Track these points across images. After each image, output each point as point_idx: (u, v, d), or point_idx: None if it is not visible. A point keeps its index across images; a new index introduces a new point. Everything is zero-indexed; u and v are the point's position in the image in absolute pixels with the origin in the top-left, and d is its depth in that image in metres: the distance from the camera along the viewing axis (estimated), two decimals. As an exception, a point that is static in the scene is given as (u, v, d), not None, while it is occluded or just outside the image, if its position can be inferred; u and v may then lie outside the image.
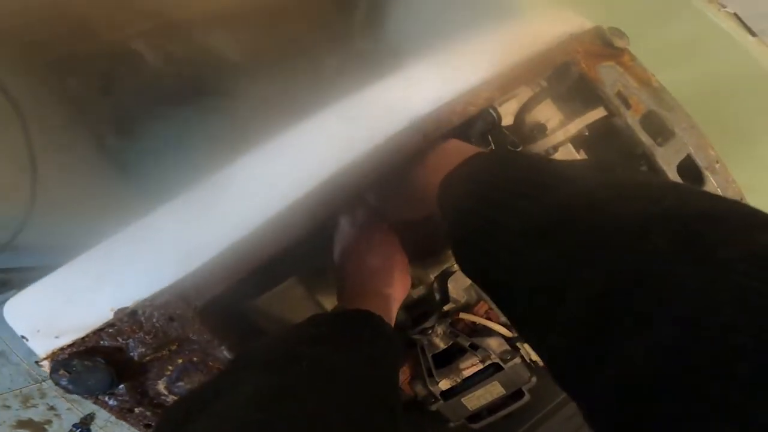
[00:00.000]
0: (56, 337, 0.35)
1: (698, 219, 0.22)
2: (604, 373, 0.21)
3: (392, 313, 0.45)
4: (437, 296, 0.59)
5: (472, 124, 0.48)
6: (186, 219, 0.36)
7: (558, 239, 0.26)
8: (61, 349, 0.35)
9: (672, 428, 0.18)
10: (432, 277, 0.58)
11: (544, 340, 0.26)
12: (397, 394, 0.38)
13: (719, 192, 0.45)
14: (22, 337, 0.35)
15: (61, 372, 0.34)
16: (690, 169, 0.44)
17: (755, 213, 0.23)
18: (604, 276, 0.22)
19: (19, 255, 0.48)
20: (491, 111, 0.47)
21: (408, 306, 0.59)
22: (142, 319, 0.35)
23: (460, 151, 0.39)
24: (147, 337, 0.36)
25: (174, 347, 0.37)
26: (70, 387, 0.35)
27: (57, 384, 0.35)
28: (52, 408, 0.77)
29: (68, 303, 0.35)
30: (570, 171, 0.32)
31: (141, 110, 0.56)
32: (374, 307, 0.42)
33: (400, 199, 0.47)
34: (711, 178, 0.44)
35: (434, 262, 0.59)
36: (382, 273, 0.47)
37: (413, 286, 0.59)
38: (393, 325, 0.44)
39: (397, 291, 0.47)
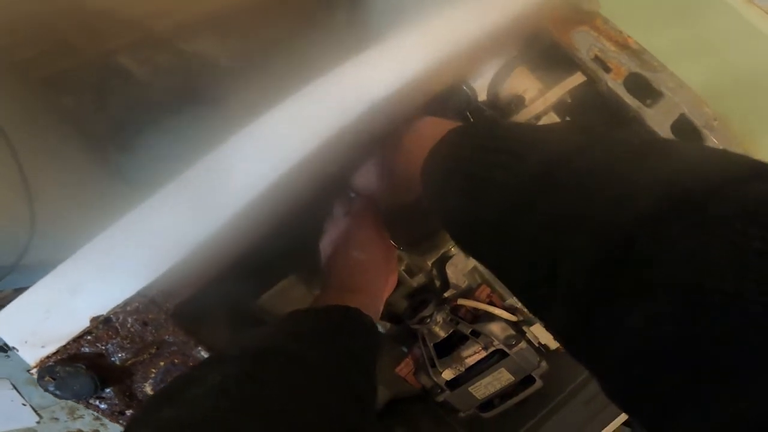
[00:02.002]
0: (42, 347, 0.37)
1: (683, 174, 0.21)
2: (611, 344, 0.20)
3: (376, 308, 0.45)
4: (438, 283, 0.58)
5: (446, 102, 0.46)
6: (151, 224, 0.36)
7: (539, 210, 0.25)
8: (47, 357, 0.37)
9: (683, 397, 0.17)
10: (430, 263, 0.57)
11: (549, 314, 0.26)
12: (373, 388, 0.37)
13: (722, 150, 0.41)
14: (14, 348, 0.37)
15: (47, 378, 0.36)
16: (686, 129, 0.41)
17: (741, 160, 0.21)
18: (593, 245, 0.21)
19: (28, 274, 0.51)
20: (465, 88, 0.45)
21: (409, 295, 0.58)
22: (117, 325, 0.37)
23: (435, 128, 0.38)
24: (124, 342, 0.37)
25: (153, 350, 0.38)
26: (57, 392, 0.37)
27: (46, 390, 0.37)
28: (98, 418, 0.82)
29: (48, 314, 0.36)
30: (546, 134, 0.30)
31: (136, 122, 0.58)
32: (356, 302, 0.41)
33: (385, 185, 0.46)
34: (710, 136, 0.40)
35: (431, 247, 0.57)
36: (367, 268, 0.46)
37: (412, 274, 0.58)
38: (377, 320, 0.44)
39: (381, 286, 0.46)
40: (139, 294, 0.36)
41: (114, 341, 0.37)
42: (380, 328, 0.60)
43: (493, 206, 0.28)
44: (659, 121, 0.40)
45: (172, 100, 0.56)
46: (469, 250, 0.34)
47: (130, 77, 0.51)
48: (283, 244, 0.56)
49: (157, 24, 0.50)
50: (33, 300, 0.37)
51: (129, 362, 0.39)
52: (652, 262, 0.19)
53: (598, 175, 0.23)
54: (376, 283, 0.46)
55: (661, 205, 0.19)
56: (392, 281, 0.48)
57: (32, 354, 0.38)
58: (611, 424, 0.62)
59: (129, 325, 0.37)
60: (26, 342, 0.37)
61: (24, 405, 0.87)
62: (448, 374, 0.55)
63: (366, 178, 0.48)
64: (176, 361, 0.40)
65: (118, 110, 0.54)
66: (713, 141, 0.40)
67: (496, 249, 0.29)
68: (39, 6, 0.42)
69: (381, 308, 0.46)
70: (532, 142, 0.29)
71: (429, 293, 0.56)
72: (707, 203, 0.18)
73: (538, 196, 0.25)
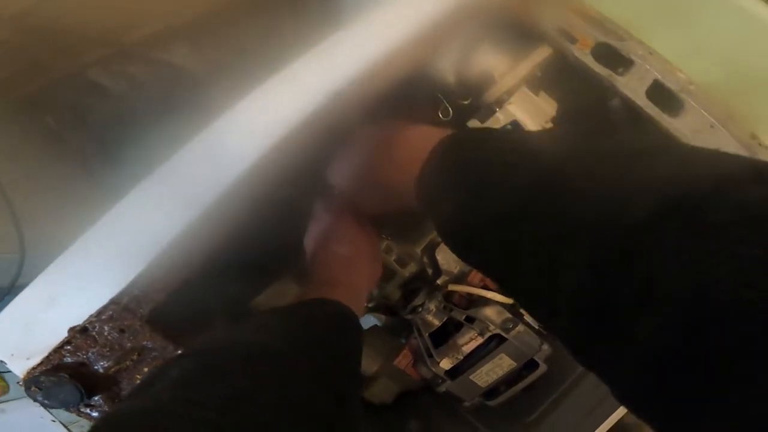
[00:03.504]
0: (27, 359, 0.38)
1: (678, 181, 0.20)
2: (619, 354, 0.20)
3: (358, 300, 0.44)
4: (430, 271, 0.57)
5: (416, 88, 0.44)
6: (116, 231, 0.37)
7: (537, 221, 0.25)
8: (33, 368, 0.38)
9: (693, 405, 0.17)
10: (419, 251, 0.56)
11: (555, 325, 0.26)
12: (353, 379, 0.37)
13: (704, 113, 0.38)
14: (1, 361, 0.39)
15: (33, 389, 0.37)
16: (663, 95, 0.39)
17: (738, 161, 0.21)
18: (592, 257, 0.21)
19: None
20: (433, 72, 0.44)
21: (402, 286, 0.57)
22: (95, 334, 0.37)
23: (427, 139, 0.37)
24: (104, 350, 0.38)
25: (135, 357, 0.39)
26: (45, 402, 0.38)
27: (35, 400, 0.38)
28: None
29: (28, 327, 0.37)
30: (538, 141, 0.31)
31: (117, 136, 0.59)
32: (336, 294, 0.41)
33: (378, 197, 0.45)
34: (689, 100, 0.38)
35: (419, 235, 0.56)
36: (347, 261, 0.46)
37: (404, 264, 0.57)
38: (361, 312, 0.43)
39: (363, 279, 0.46)
40: (111, 302, 0.36)
41: (94, 350, 0.38)
42: (377, 322, 0.59)
43: (490, 219, 0.28)
44: (633, 88, 0.39)
45: (150, 111, 0.57)
46: (471, 262, 0.34)
47: (105, 92, 0.52)
48: (273, 244, 0.56)
49: (126, 37, 0.51)
50: (13, 315, 0.38)
51: (112, 369, 0.39)
52: (652, 274, 0.18)
53: (592, 183, 0.23)
54: (357, 275, 0.45)
55: (658, 212, 0.19)
56: (375, 273, 0.48)
57: (20, 366, 0.39)
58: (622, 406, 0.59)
59: (106, 333, 0.37)
60: (12, 355, 0.38)
61: (53, 421, 0.91)
62: (446, 363, 0.53)
63: (342, 175, 0.47)
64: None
65: (98, 126, 0.55)
66: (692, 104, 0.38)
67: (496, 262, 0.29)
68: (6, 27, 0.43)
69: (364, 300, 0.45)
70: (524, 152, 0.29)
71: (420, 282, 0.55)
72: (705, 209, 0.18)
73: (534, 207, 0.25)
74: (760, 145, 0.41)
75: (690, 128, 0.40)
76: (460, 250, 0.33)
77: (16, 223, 0.45)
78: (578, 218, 0.22)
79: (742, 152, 0.41)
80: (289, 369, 0.31)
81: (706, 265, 0.17)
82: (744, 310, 0.15)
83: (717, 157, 0.22)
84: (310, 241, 0.49)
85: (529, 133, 0.43)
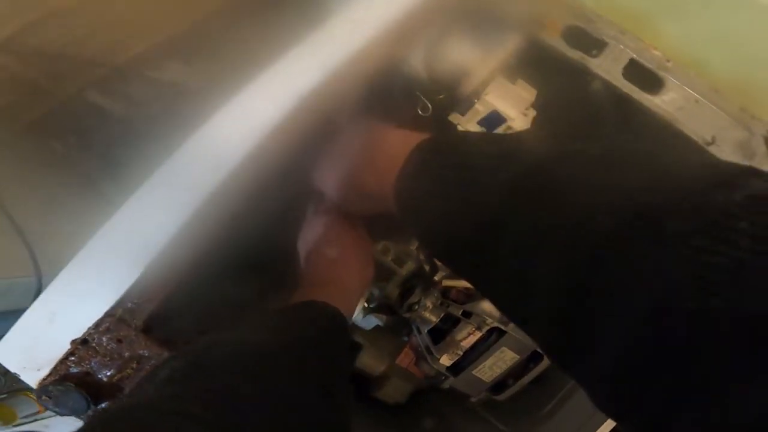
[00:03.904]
0: (38, 370, 0.41)
1: (640, 187, 0.20)
2: (595, 361, 0.20)
3: (347, 300, 0.44)
4: (427, 268, 0.57)
5: (390, 85, 0.45)
6: (107, 247, 0.39)
7: (510, 229, 0.25)
8: (44, 379, 0.41)
9: (668, 412, 0.17)
10: (415, 248, 0.56)
11: (533, 332, 0.26)
12: (341, 377, 0.37)
13: (686, 89, 0.37)
14: (15, 373, 0.42)
15: (44, 398, 0.40)
16: (640, 74, 0.38)
17: (705, 169, 0.20)
18: (561, 268, 0.22)
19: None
20: (405, 67, 0.44)
21: (401, 285, 0.58)
22: (95, 345, 0.39)
23: (404, 144, 0.37)
24: (105, 360, 0.40)
25: (135, 365, 0.41)
26: (56, 410, 0.40)
27: (47, 408, 0.41)
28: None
29: (35, 341, 0.40)
30: (513, 144, 0.31)
31: (123, 156, 0.62)
32: (324, 295, 0.41)
33: (359, 202, 0.45)
34: (669, 77, 0.37)
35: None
36: (336, 262, 0.46)
37: (401, 263, 0.57)
38: (350, 312, 0.44)
39: (353, 279, 0.46)
40: (107, 314, 0.39)
41: (96, 360, 0.40)
42: (379, 322, 0.60)
43: (467, 226, 0.28)
44: (608, 69, 0.38)
45: (151, 129, 0.59)
46: (452, 269, 0.35)
47: (105, 114, 0.54)
48: (271, 247, 0.57)
49: (117, 57, 0.53)
50: (22, 329, 0.41)
51: (116, 378, 0.41)
52: (617, 285, 0.19)
53: (562, 192, 0.23)
54: (348, 275, 0.46)
55: (621, 222, 0.19)
56: (366, 274, 0.48)
57: (32, 377, 0.41)
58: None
59: (105, 344, 0.39)
60: (24, 367, 0.41)
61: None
62: (446, 360, 0.53)
63: (327, 179, 0.48)
64: (159, 372, 0.42)
65: (103, 147, 0.57)
66: (673, 81, 0.37)
67: (474, 269, 0.29)
68: (2, 51, 0.46)
69: (354, 300, 0.46)
70: (499, 156, 0.29)
71: (417, 279, 0.55)
72: (665, 219, 0.18)
73: (508, 215, 0.25)
74: (753, 117, 0.39)
75: (674, 105, 0.38)
76: (440, 256, 0.34)
77: (29, 248, 0.49)
78: (550, 227, 0.23)
79: (733, 125, 0.39)
80: (273, 364, 0.31)
81: (667, 274, 0.17)
82: (708, 316, 0.15)
83: (684, 164, 0.22)
84: (302, 246, 0.50)
85: (503, 137, 0.42)
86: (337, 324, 0.40)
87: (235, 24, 0.64)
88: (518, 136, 0.41)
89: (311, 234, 0.50)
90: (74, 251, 0.61)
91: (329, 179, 0.47)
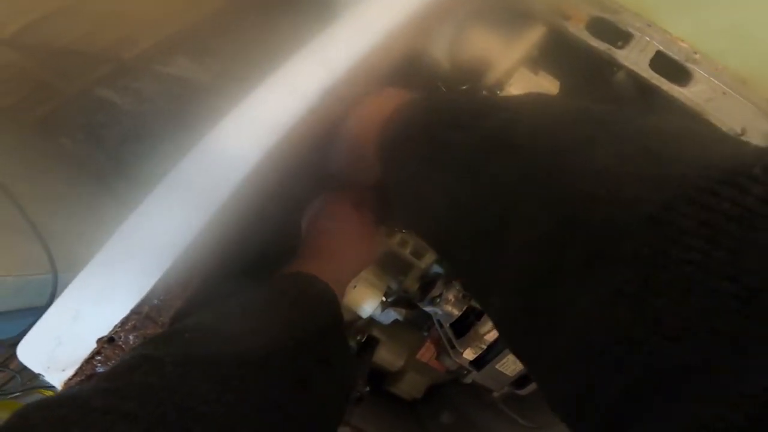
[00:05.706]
0: (63, 371, 0.40)
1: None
2: (552, 333, 0.19)
3: (338, 275, 0.42)
4: (446, 262, 0.56)
5: (411, 76, 0.44)
6: (132, 243, 0.38)
7: (493, 170, 0.24)
8: (70, 379, 0.40)
9: (633, 405, 0.16)
10: (433, 244, 0.56)
11: (488, 298, 0.24)
12: (337, 346, 0.36)
13: (714, 81, 0.37)
14: (39, 374, 0.41)
15: (69, 400, 0.39)
16: (667, 65, 0.37)
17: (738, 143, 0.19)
18: (544, 213, 0.20)
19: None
20: (426, 58, 0.43)
21: (420, 278, 0.57)
22: (121, 343, 0.39)
23: (392, 98, 0.36)
24: (131, 358, 0.39)
25: (161, 363, 0.40)
26: (82, 412, 0.40)
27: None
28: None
29: (59, 341, 0.39)
30: (508, 99, 0.30)
31: (133, 151, 0.61)
32: (315, 267, 0.40)
33: (341, 158, 0.44)
34: (697, 69, 0.36)
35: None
36: (333, 234, 0.45)
37: (420, 256, 0.56)
38: (340, 288, 0.42)
39: (349, 254, 0.45)
40: (133, 312, 0.38)
41: (122, 359, 0.39)
42: (398, 316, 0.59)
43: (448, 170, 0.27)
44: (635, 61, 0.38)
45: (161, 124, 0.58)
46: (418, 225, 0.33)
47: (115, 108, 0.54)
48: (290, 242, 0.56)
49: (125, 52, 0.52)
50: (44, 329, 0.40)
51: (141, 377, 0.41)
52: (612, 232, 0.17)
53: (557, 137, 0.22)
54: (342, 250, 0.44)
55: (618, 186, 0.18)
56: (364, 252, 0.46)
57: (57, 378, 0.41)
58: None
59: (132, 342, 0.39)
60: (49, 368, 0.41)
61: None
62: (469, 354, 0.53)
63: (329, 154, 0.47)
64: (185, 370, 0.42)
65: (112, 143, 0.57)
66: (701, 73, 0.37)
67: (445, 221, 0.27)
68: (9, 48, 0.45)
69: (346, 278, 0.44)
70: (491, 105, 0.28)
71: (437, 272, 0.55)
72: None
73: (493, 154, 0.24)
74: (779, 108, 0.39)
75: (702, 97, 0.38)
76: (409, 213, 0.32)
77: (44, 244, 0.48)
78: (536, 173, 0.21)
79: (761, 116, 0.39)
80: (242, 351, 0.30)
81: (670, 225, 0.16)
82: (707, 275, 0.14)
83: (711, 138, 0.20)
84: (305, 223, 0.49)
85: (505, 96, 0.41)
86: (324, 304, 0.38)
87: (243, 19, 0.63)
88: (522, 95, 0.40)
89: (313, 208, 0.49)
90: (87, 249, 0.60)
91: (330, 152, 0.46)
